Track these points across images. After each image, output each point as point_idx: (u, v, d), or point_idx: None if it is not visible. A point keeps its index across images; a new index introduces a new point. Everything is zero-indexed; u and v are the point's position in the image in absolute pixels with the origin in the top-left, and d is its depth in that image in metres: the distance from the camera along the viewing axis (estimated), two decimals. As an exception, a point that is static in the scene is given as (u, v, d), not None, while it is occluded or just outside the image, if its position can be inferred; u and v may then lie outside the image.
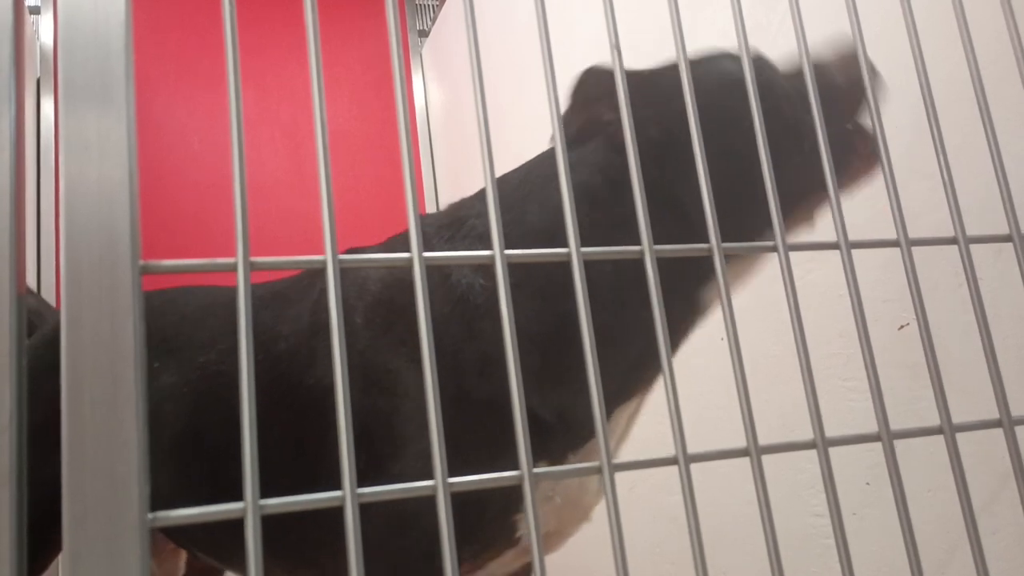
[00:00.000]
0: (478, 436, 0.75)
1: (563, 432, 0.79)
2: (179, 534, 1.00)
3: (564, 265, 0.43)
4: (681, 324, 0.83)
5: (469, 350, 0.77)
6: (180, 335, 0.94)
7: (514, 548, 0.80)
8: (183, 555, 1.15)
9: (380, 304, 0.81)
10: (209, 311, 0.95)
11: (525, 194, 0.84)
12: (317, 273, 0.89)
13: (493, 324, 0.78)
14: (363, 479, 0.75)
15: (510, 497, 0.74)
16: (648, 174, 0.79)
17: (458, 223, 0.85)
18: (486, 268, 0.79)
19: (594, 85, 0.81)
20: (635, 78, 0.81)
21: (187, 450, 0.89)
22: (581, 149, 0.85)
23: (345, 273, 0.83)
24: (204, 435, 0.88)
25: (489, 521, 0.75)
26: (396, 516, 0.73)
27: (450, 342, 0.77)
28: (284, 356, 0.83)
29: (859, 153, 0.81)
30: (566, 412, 0.79)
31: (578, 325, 0.77)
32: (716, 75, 0.82)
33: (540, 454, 0.77)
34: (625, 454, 0.93)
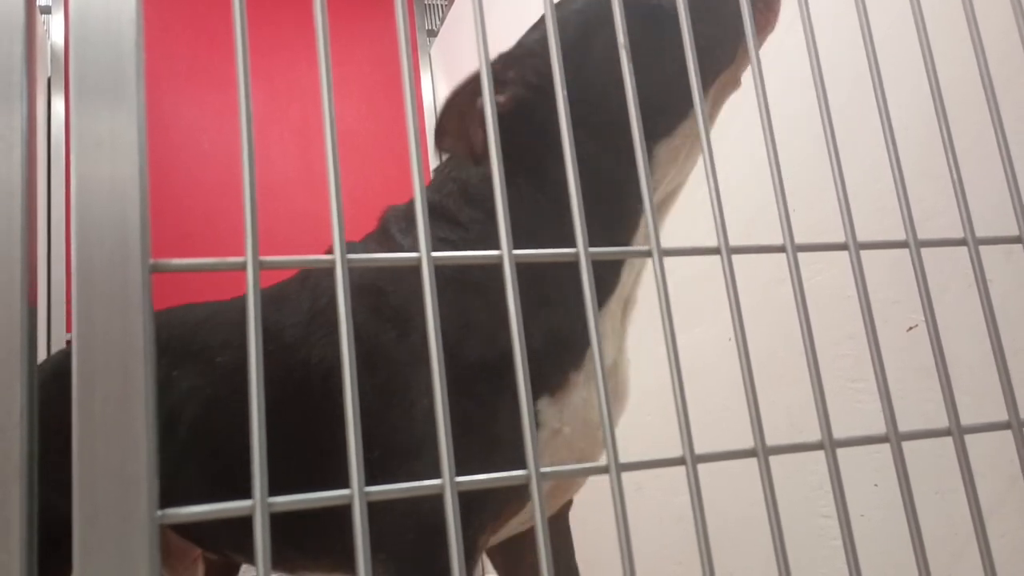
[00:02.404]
0: (465, 399, 0.75)
1: (556, 355, 0.80)
2: (213, 541, 1.02)
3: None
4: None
5: (443, 316, 0.78)
6: (196, 339, 0.96)
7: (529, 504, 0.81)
8: (200, 567, 1.15)
9: (365, 289, 0.83)
10: (222, 316, 0.97)
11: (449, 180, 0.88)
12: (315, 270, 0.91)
13: (459, 286, 0.80)
14: (369, 454, 0.77)
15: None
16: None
17: (410, 212, 0.88)
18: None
19: (462, 101, 0.82)
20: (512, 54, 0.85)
21: (212, 449, 0.90)
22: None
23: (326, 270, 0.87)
24: (227, 434, 0.89)
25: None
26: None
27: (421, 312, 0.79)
28: (292, 349, 0.86)
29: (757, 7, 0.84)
30: (552, 336, 0.79)
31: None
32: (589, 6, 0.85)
33: (539, 388, 0.78)
34: (633, 454, 0.93)
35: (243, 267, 0.37)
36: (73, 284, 0.34)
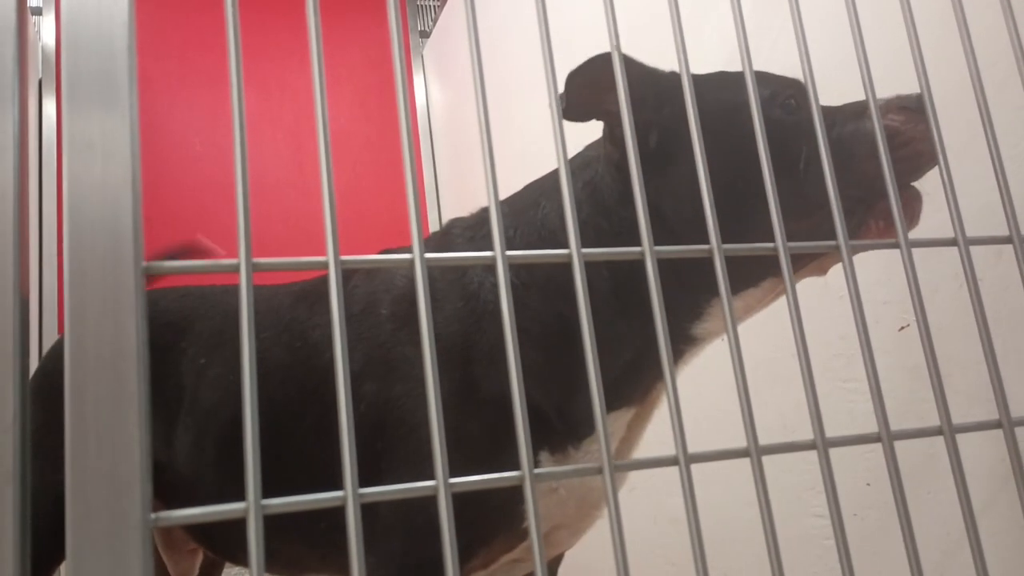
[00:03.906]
0: (482, 427, 0.77)
1: (563, 427, 0.81)
2: (224, 545, 1.03)
3: (564, 266, 0.43)
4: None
5: (477, 344, 0.80)
6: (225, 330, 0.98)
7: (524, 541, 0.81)
8: (199, 556, 1.16)
9: (404, 298, 0.84)
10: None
11: (540, 195, 0.86)
12: (352, 271, 0.92)
13: (500, 320, 0.80)
14: (378, 461, 0.79)
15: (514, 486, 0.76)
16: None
17: (480, 224, 0.89)
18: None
19: (603, 69, 0.78)
20: (650, 76, 0.81)
21: (233, 439, 0.92)
22: (585, 152, 0.86)
23: (377, 271, 0.88)
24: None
25: (493, 510, 0.76)
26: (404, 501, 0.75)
27: (460, 336, 0.80)
28: (318, 346, 0.88)
29: (876, 216, 0.77)
30: (565, 408, 0.80)
31: (576, 325, 0.78)
32: (731, 93, 0.80)
33: (541, 445, 0.79)
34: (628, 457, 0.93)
35: (236, 269, 0.37)
36: (65, 287, 0.34)
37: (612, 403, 0.83)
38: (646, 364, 0.82)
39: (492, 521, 0.78)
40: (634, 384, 0.83)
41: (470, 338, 0.80)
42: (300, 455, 0.85)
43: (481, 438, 0.76)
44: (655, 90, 0.80)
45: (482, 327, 0.80)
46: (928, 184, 0.98)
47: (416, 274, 0.40)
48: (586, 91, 0.76)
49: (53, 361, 1.09)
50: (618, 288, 0.79)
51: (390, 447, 0.79)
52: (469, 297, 0.82)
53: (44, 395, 1.01)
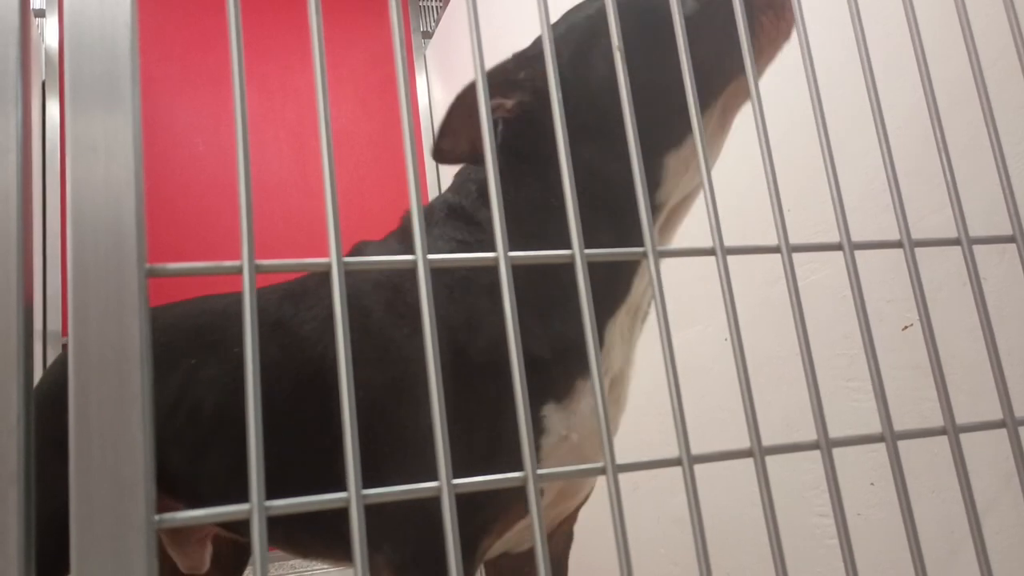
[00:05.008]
0: (477, 394, 0.77)
1: (564, 362, 0.80)
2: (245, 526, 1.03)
3: (568, 265, 0.43)
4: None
5: (453, 315, 0.80)
6: (217, 330, 0.99)
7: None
8: (208, 547, 1.16)
9: (380, 286, 0.85)
10: (239, 307, 1.00)
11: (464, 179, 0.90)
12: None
13: (471, 286, 0.81)
14: (378, 446, 0.79)
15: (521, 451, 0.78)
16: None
17: (429, 213, 0.90)
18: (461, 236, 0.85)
19: (467, 102, 0.81)
20: (516, 59, 0.85)
21: (230, 437, 0.92)
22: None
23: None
24: (241, 423, 0.91)
25: (503, 489, 0.77)
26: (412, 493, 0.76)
27: (438, 310, 0.80)
28: (309, 339, 0.88)
29: (761, 21, 0.79)
30: (560, 343, 0.80)
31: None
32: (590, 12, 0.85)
33: (544, 394, 0.79)
34: (629, 455, 0.93)
35: (239, 271, 0.37)
36: (69, 288, 0.34)
37: (605, 314, 0.83)
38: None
39: (503, 499, 0.78)
40: (615, 283, 0.83)
41: (445, 309, 0.80)
42: (303, 448, 0.85)
43: (478, 405, 0.77)
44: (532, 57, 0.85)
45: (453, 296, 0.81)
46: (930, 182, 0.98)
47: (419, 274, 0.40)
48: (459, 129, 0.81)
49: (53, 386, 1.09)
50: (587, 193, 0.79)
51: (385, 435, 0.79)
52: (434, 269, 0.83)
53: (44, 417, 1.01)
